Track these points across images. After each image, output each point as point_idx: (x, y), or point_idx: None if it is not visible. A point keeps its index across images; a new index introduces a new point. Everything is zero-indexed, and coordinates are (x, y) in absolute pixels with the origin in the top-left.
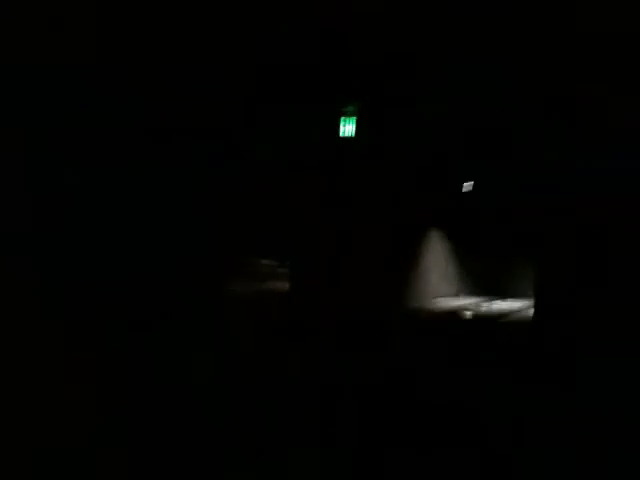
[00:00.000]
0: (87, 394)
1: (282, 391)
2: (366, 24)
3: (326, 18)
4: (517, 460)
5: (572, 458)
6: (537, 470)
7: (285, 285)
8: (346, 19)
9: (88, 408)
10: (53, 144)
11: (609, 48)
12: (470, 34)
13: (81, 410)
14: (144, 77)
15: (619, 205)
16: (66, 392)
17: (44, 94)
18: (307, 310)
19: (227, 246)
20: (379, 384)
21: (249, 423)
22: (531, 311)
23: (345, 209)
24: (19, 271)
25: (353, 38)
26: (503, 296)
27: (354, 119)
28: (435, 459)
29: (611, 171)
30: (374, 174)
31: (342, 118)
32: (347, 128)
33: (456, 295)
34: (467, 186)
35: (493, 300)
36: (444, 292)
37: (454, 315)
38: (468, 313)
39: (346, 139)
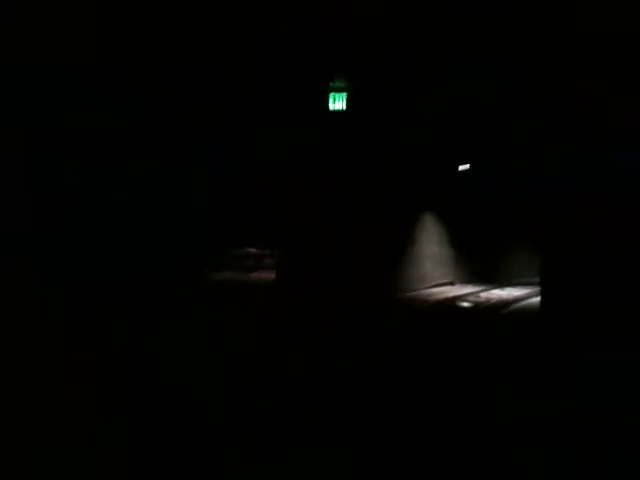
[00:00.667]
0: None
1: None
2: (366, 24)
3: (326, 18)
4: (517, 460)
5: (572, 458)
6: (537, 470)
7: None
8: (346, 19)
9: (77, 401)
10: (53, 144)
11: (609, 48)
12: (470, 34)
13: (73, 408)
14: (144, 77)
15: (619, 205)
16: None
17: (44, 94)
18: (290, 294)
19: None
20: (369, 381)
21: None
22: (533, 300)
23: (338, 198)
24: (17, 268)
25: (353, 38)
26: (501, 284)
27: (344, 95)
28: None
29: (611, 171)
30: (369, 161)
31: (332, 94)
32: (337, 104)
33: (451, 283)
34: (463, 169)
35: (491, 288)
36: (439, 280)
37: (450, 306)
38: (465, 304)
39: (336, 113)
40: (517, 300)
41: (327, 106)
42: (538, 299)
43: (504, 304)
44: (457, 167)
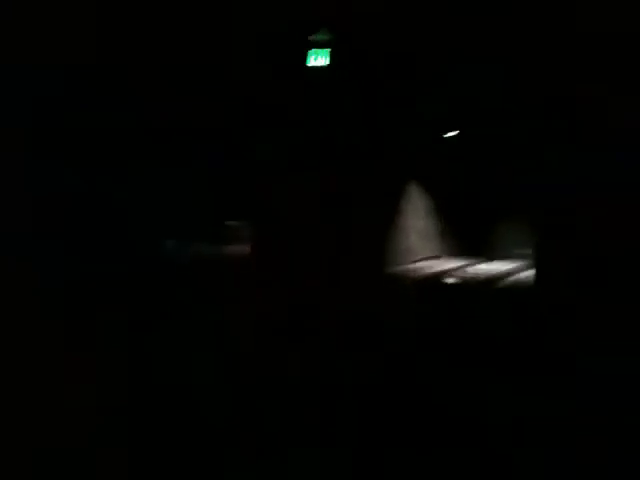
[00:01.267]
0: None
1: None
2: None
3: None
4: (517, 460)
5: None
6: (537, 470)
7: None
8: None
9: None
10: (53, 144)
11: (609, 48)
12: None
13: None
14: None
15: (619, 205)
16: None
17: (44, 94)
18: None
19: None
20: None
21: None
22: (521, 275)
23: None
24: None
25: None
26: (487, 258)
27: (327, 52)
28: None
29: (611, 171)
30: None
31: (312, 50)
32: (318, 61)
33: (437, 257)
34: (451, 135)
35: (478, 262)
36: (424, 253)
37: (436, 282)
38: (451, 280)
39: (316, 70)
40: (506, 275)
41: (305, 63)
42: (527, 274)
43: (493, 280)
44: (444, 134)
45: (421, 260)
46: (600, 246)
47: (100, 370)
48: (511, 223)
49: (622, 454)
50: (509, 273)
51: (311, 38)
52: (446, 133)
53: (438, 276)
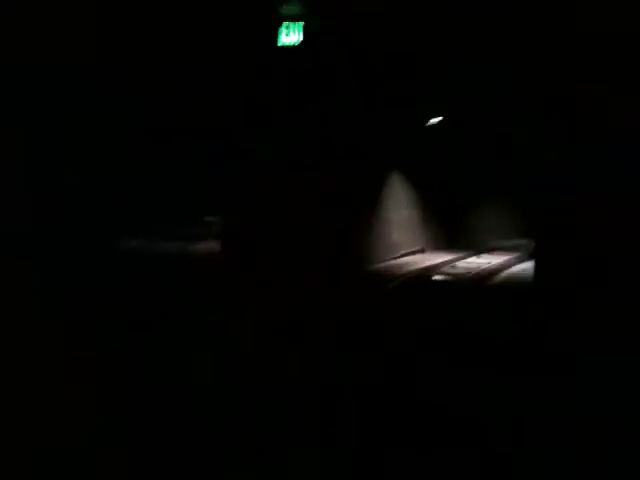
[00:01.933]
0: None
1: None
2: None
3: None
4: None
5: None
6: (537, 470)
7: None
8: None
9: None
10: (53, 144)
11: (609, 48)
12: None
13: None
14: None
15: (619, 205)
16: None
17: (44, 94)
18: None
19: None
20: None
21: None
22: (514, 269)
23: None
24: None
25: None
26: (475, 250)
27: (300, 25)
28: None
29: (611, 171)
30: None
31: (284, 24)
32: (290, 37)
33: (422, 251)
34: (433, 122)
35: (466, 256)
36: (407, 246)
37: (425, 281)
38: (441, 277)
39: (289, 50)
40: (498, 270)
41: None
42: (519, 267)
43: (486, 276)
44: (427, 121)
45: (405, 255)
46: (600, 246)
47: (100, 370)
48: (496, 213)
49: (622, 454)
50: (501, 267)
51: (283, 10)
52: (428, 121)
53: (426, 273)
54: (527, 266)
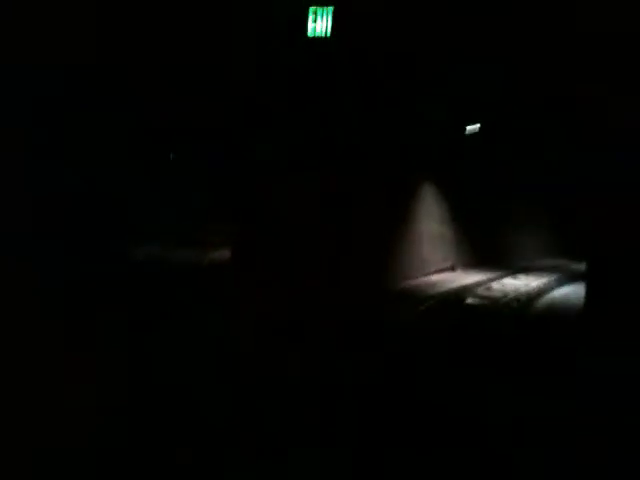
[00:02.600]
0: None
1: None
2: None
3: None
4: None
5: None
6: (537, 470)
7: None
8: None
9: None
10: (53, 144)
11: (609, 48)
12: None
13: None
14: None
15: (619, 205)
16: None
17: (44, 94)
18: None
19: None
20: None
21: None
22: (556, 294)
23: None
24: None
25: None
26: (510, 269)
27: (330, 9)
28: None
29: (611, 171)
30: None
31: (311, 8)
32: (319, 24)
33: (452, 268)
34: (471, 129)
35: (501, 277)
36: (438, 264)
37: (459, 305)
38: (476, 300)
39: (318, 41)
40: (538, 294)
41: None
42: (561, 292)
43: (526, 301)
44: (464, 129)
45: (435, 272)
46: (600, 246)
47: (100, 370)
48: (531, 231)
49: (622, 454)
50: (541, 291)
51: None
52: (465, 129)
53: (459, 295)
54: (569, 291)
